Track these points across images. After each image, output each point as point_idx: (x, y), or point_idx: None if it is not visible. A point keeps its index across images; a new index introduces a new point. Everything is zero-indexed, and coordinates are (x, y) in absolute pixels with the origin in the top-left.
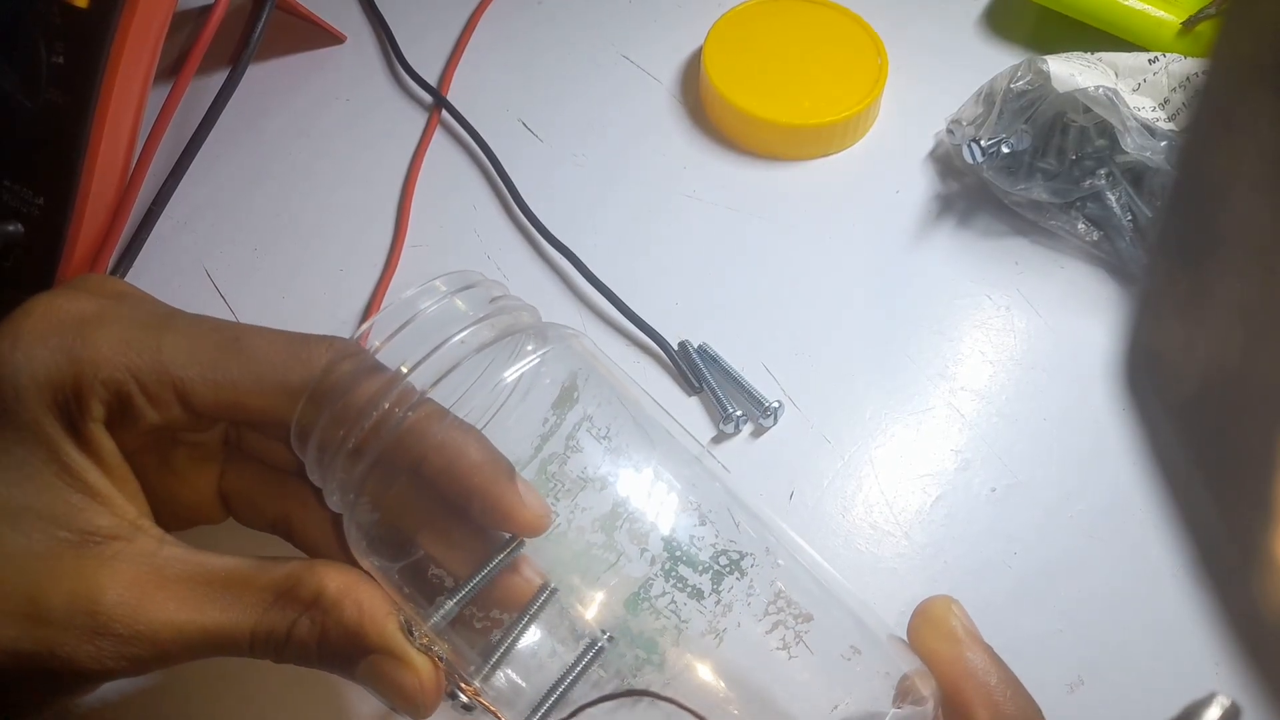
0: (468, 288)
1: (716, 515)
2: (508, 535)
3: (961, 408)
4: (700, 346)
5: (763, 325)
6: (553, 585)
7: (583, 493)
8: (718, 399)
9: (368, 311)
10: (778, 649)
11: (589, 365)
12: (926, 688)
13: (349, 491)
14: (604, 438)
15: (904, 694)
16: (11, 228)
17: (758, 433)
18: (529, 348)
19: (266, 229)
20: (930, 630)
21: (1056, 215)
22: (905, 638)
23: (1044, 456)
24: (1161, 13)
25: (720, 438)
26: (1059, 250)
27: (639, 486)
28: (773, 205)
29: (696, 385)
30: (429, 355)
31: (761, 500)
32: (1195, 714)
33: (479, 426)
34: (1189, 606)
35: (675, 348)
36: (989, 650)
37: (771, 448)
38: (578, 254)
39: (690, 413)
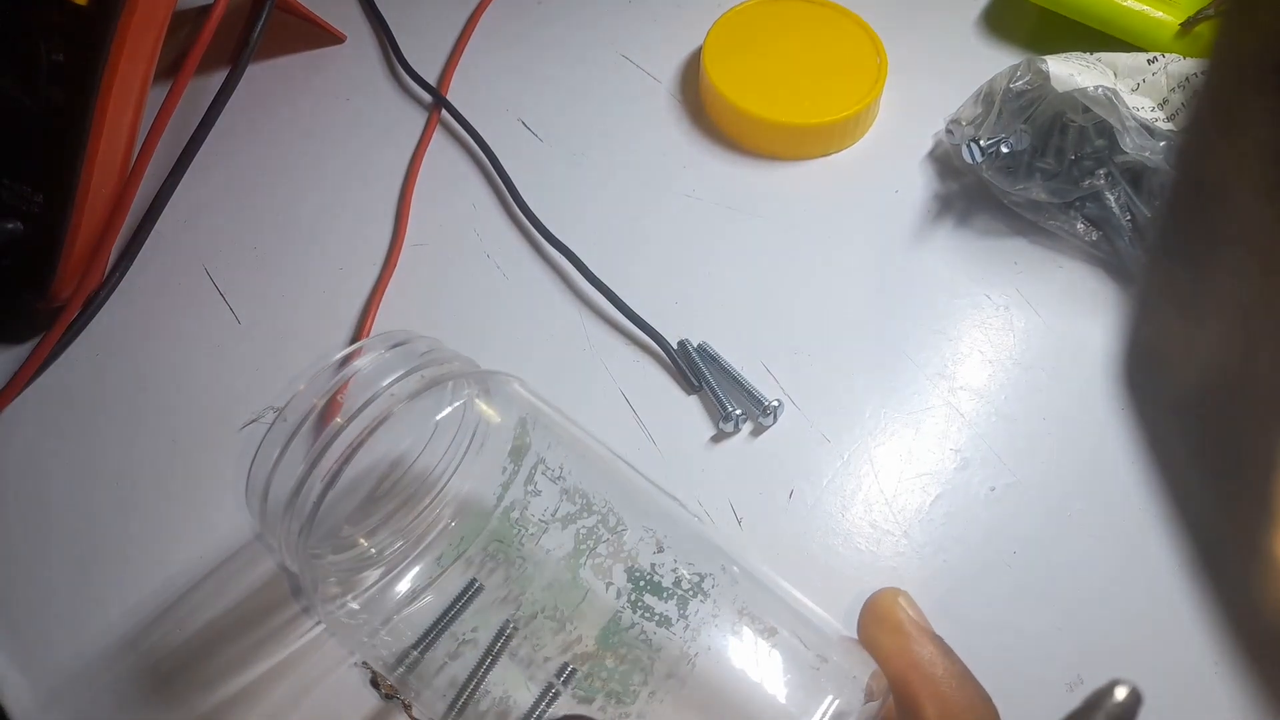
0: (400, 344)
1: (672, 539)
2: (466, 579)
3: (961, 407)
4: (700, 345)
5: (762, 324)
6: (511, 625)
7: (545, 535)
8: (717, 398)
9: (367, 311)
10: (749, 666)
11: (534, 409)
12: (877, 684)
13: (297, 551)
14: (558, 479)
15: (866, 694)
16: (11, 226)
17: (757, 431)
18: (465, 392)
19: (266, 229)
20: (877, 624)
21: (1055, 215)
22: (855, 634)
23: (1044, 456)
24: (1160, 13)
25: (720, 437)
26: (1058, 250)
27: (597, 522)
28: (772, 205)
29: (696, 384)
30: (362, 408)
31: (760, 500)
32: (1098, 703)
33: (442, 483)
34: (1189, 606)
35: (675, 347)
36: (937, 641)
37: (771, 447)
38: (577, 253)
39: (689, 412)
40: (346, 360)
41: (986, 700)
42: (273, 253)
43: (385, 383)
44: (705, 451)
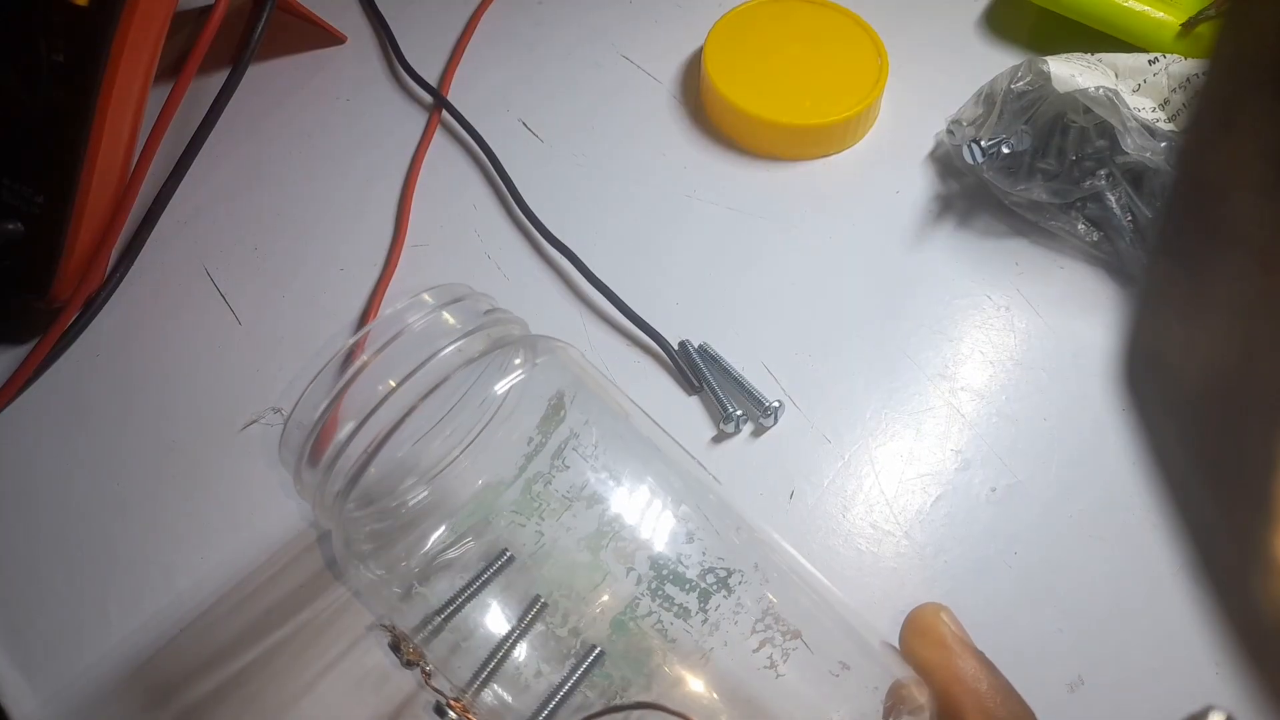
0: (456, 301)
1: (705, 532)
2: (496, 550)
3: (962, 407)
4: (700, 346)
5: (763, 325)
6: (542, 599)
7: (568, 512)
8: (718, 398)
9: (368, 311)
10: (765, 668)
11: (577, 380)
12: (921, 696)
13: (332, 509)
14: (590, 456)
15: (899, 703)
16: (12, 226)
17: (758, 432)
18: (516, 361)
19: (266, 229)
20: (920, 638)
21: (1056, 216)
22: (897, 645)
23: (1044, 456)
24: (1161, 14)
25: (720, 437)
26: (1059, 251)
27: (625, 504)
28: (773, 205)
29: (697, 385)
30: (417, 369)
31: (761, 501)
32: None
33: (461, 449)
34: (1189, 606)
35: (675, 347)
36: (980, 656)
37: (772, 447)
38: (578, 254)
39: (690, 412)
40: (399, 314)
41: (1030, 715)
42: (273, 253)
43: (444, 343)
44: (706, 452)
